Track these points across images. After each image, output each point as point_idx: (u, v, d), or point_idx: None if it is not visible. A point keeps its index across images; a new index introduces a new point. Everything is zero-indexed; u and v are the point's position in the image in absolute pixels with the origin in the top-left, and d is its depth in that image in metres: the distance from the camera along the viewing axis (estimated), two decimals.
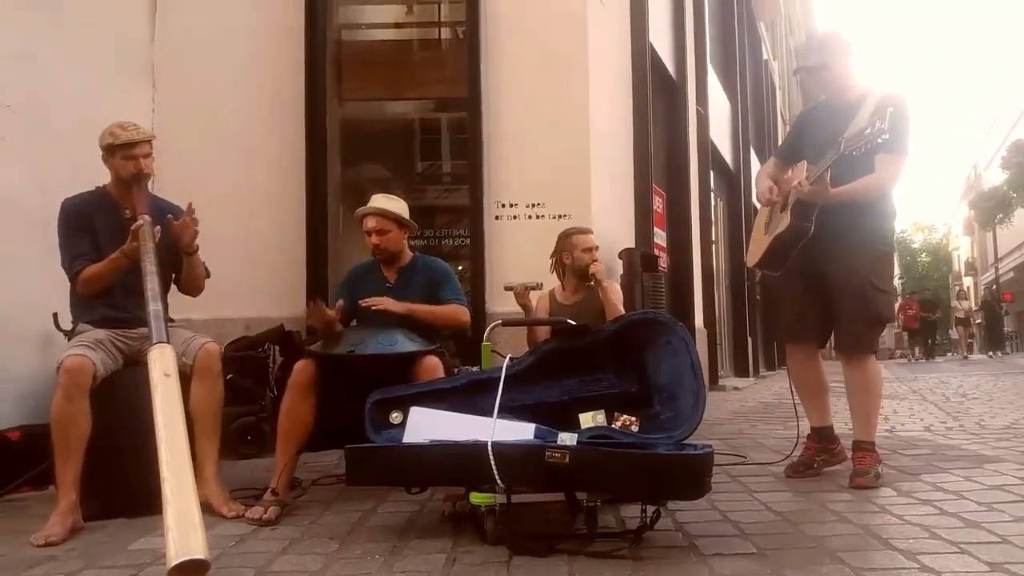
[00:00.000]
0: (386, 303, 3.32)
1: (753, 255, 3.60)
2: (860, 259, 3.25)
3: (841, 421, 3.72)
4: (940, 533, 2.42)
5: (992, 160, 34.92)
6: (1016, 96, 36.61)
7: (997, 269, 33.14)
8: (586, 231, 4.40)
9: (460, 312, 3.49)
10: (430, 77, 6.42)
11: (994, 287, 29.71)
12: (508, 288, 4.38)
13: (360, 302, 3.35)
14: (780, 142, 4.87)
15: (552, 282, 4.46)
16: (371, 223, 3.51)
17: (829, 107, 3.43)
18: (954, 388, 8.92)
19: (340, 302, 3.41)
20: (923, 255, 47.12)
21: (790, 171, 3.50)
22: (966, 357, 21.51)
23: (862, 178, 3.15)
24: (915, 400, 7.32)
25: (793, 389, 3.60)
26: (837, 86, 3.37)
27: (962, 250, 52.75)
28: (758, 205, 3.74)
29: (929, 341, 22.03)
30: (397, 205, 3.58)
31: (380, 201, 3.58)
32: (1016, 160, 22.39)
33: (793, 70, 3.70)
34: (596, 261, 4.24)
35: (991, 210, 26.35)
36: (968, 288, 32.25)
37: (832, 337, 3.51)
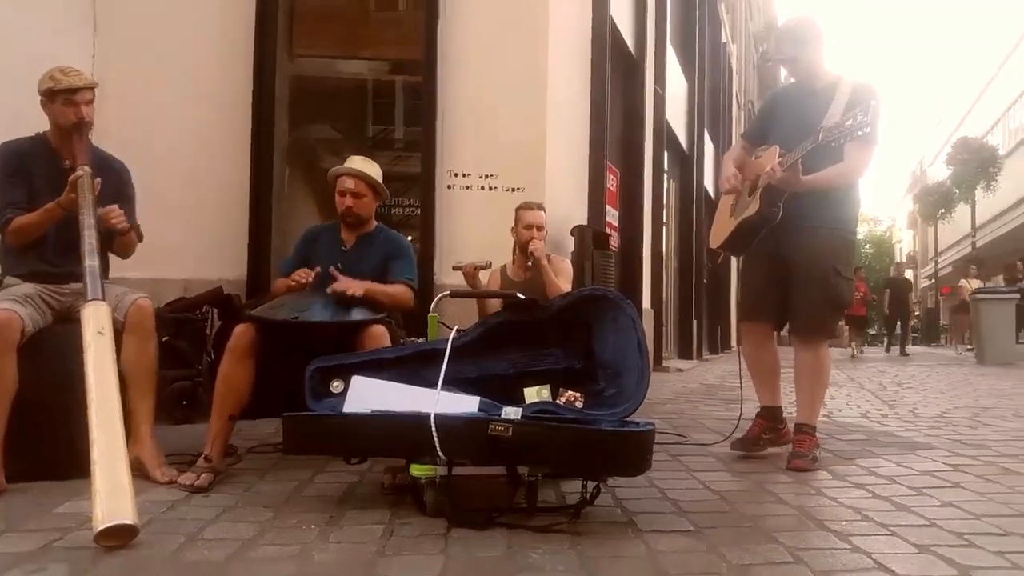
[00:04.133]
0: (352, 287, 3.19)
1: (717, 237, 3.61)
2: (825, 245, 3.28)
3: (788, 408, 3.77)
4: (872, 516, 2.47)
5: (938, 155, 35.83)
6: (963, 92, 37.54)
7: (937, 263, 34.13)
8: (533, 207, 4.35)
9: (405, 295, 3.42)
10: (386, 37, 6.30)
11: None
12: (456, 268, 4.33)
13: (330, 274, 3.24)
14: (741, 125, 4.86)
15: (504, 258, 4.42)
16: (349, 184, 3.43)
17: (800, 92, 3.44)
18: (890, 377, 9.18)
19: (318, 269, 3.28)
20: (867, 246, 48.24)
21: (755, 156, 3.50)
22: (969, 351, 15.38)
23: (834, 166, 3.17)
24: (853, 388, 7.50)
25: (742, 370, 3.63)
26: (809, 73, 3.39)
27: (904, 243, 54.23)
28: (710, 190, 3.75)
29: (898, 329, 18.10)
30: (375, 170, 3.52)
31: (359, 163, 3.50)
32: (960, 156, 22.93)
33: (764, 59, 3.71)
34: (535, 239, 4.20)
35: (934, 204, 27.02)
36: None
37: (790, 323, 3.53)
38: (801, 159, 3.10)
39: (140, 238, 3.30)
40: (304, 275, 3.22)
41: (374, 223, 3.60)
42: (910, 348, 18.13)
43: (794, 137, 3.18)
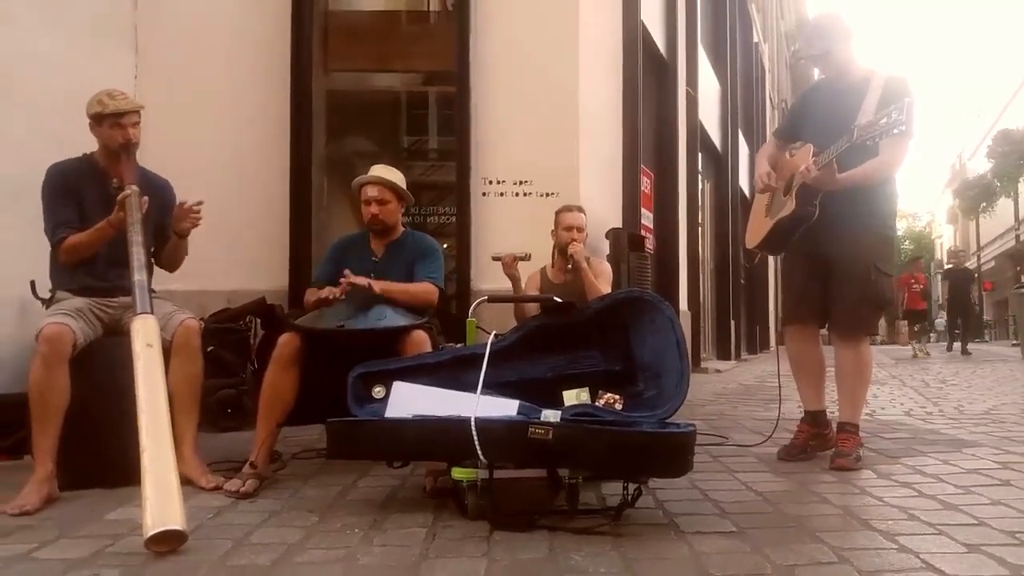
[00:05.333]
0: (362, 282, 3.25)
1: (753, 237, 3.59)
2: (865, 242, 3.25)
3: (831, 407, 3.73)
4: (918, 515, 2.44)
5: (977, 149, 35.13)
6: (1002, 85, 36.78)
7: (979, 258, 33.43)
8: (573, 209, 4.38)
9: (429, 291, 3.41)
10: (418, 50, 6.35)
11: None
12: (496, 258, 4.34)
13: (342, 280, 3.29)
14: (775, 124, 4.79)
15: (544, 257, 4.44)
16: (372, 192, 3.47)
17: (831, 89, 3.42)
18: (933, 374, 9.01)
19: (347, 275, 3.30)
20: (906, 242, 47.48)
21: (789, 153, 3.48)
22: None
23: (869, 162, 3.14)
24: (895, 385, 7.38)
25: (781, 370, 3.60)
26: (839, 69, 3.37)
27: (945, 238, 53.18)
28: (745, 190, 3.74)
29: (958, 328, 15.71)
30: (397, 176, 3.55)
31: (381, 171, 3.54)
32: (1001, 149, 22.48)
33: (795, 58, 3.69)
34: (575, 241, 4.21)
35: (975, 199, 26.49)
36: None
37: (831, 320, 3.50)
38: (835, 157, 3.08)
39: (186, 251, 3.39)
40: (330, 292, 3.25)
41: (401, 229, 3.63)
42: (972, 346, 15.65)
43: (828, 134, 3.15)
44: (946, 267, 18.15)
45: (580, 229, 4.30)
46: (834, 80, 3.40)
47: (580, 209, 4.40)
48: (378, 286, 3.28)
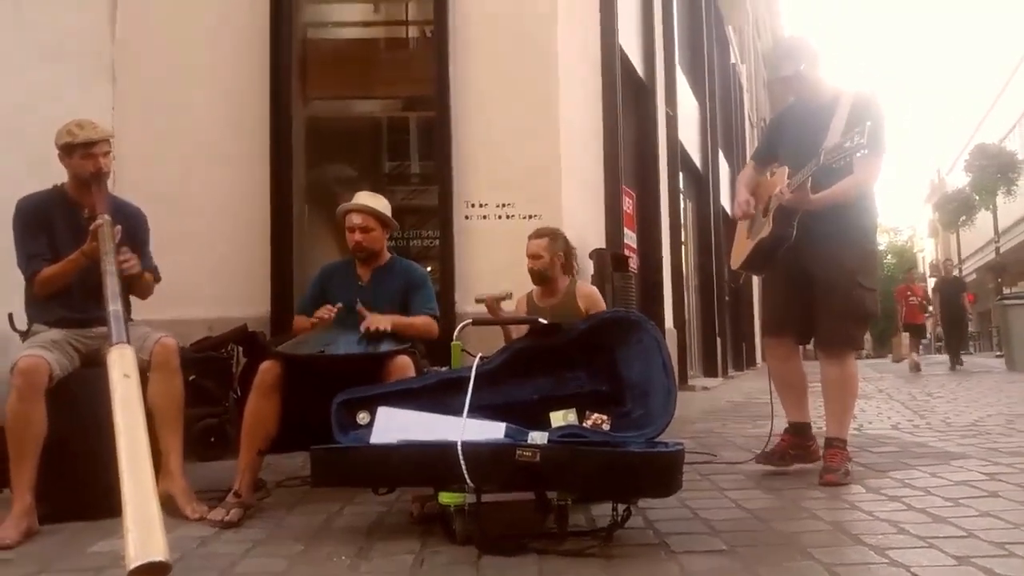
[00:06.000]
0: (380, 323, 3.24)
1: (737, 257, 3.64)
2: (845, 257, 3.27)
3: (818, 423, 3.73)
4: (908, 528, 2.43)
5: (955, 163, 35.57)
6: (978, 99, 37.33)
7: (961, 271, 33.74)
8: (533, 236, 4.32)
9: (431, 325, 3.47)
10: (397, 76, 6.37)
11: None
12: (479, 300, 4.35)
13: (361, 326, 3.25)
14: (753, 145, 4.82)
15: (524, 285, 4.43)
16: (356, 219, 3.47)
17: (803, 110, 3.46)
18: (920, 387, 9.05)
19: (340, 305, 3.31)
20: (888, 256, 47.88)
21: (769, 174, 3.52)
22: None
23: (844, 180, 3.18)
24: (882, 399, 7.40)
25: (771, 386, 3.60)
26: (810, 90, 3.41)
27: (926, 252, 53.69)
28: (727, 208, 3.77)
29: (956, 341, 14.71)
30: (381, 203, 3.55)
31: (365, 198, 3.54)
32: (978, 163, 22.73)
33: (766, 81, 3.76)
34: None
35: (955, 212, 26.75)
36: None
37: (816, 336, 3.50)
38: (811, 176, 3.11)
39: (158, 279, 3.37)
40: (327, 311, 3.26)
41: (387, 255, 3.63)
42: (982, 360, 15.00)
43: (801, 155, 3.20)
44: (939, 278, 16.77)
45: (536, 257, 4.26)
46: (806, 101, 3.45)
47: (540, 235, 4.33)
48: (390, 322, 3.26)
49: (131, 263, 3.07)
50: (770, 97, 25.06)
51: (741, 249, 3.59)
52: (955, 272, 15.39)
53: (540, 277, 4.32)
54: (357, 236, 3.47)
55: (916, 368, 12.80)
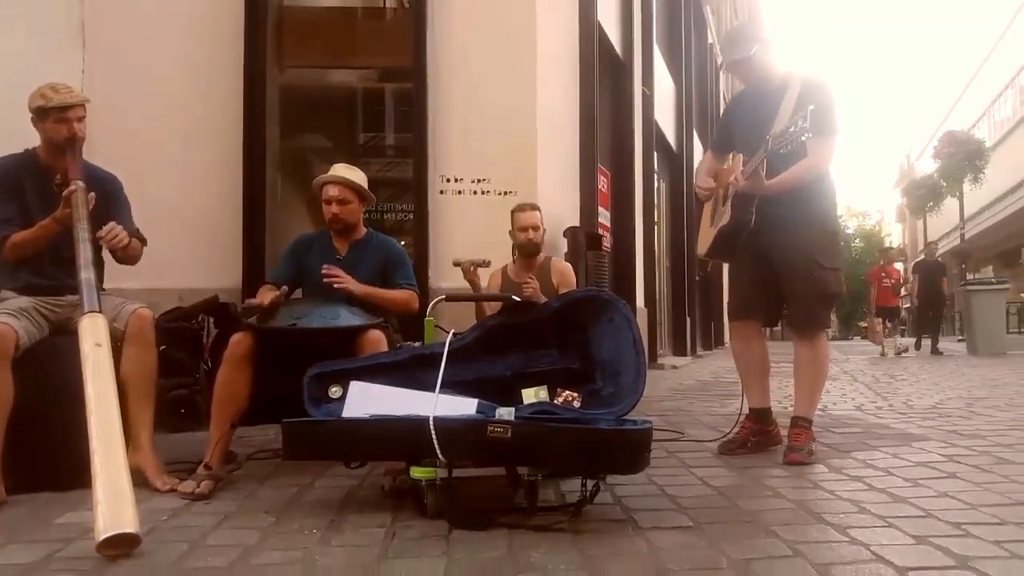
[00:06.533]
0: (348, 283, 3.26)
1: (702, 245, 3.69)
2: (804, 240, 3.32)
3: (777, 400, 3.79)
4: (869, 508, 2.49)
5: (924, 150, 36.01)
6: (949, 86, 37.78)
7: (926, 255, 34.22)
8: (527, 208, 4.38)
9: (412, 299, 3.50)
10: (374, 46, 6.30)
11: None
12: (457, 264, 4.35)
13: (323, 275, 3.26)
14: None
15: (503, 255, 4.45)
16: (333, 191, 3.44)
17: (754, 95, 3.51)
18: (884, 369, 9.23)
19: (285, 288, 3.29)
20: (856, 240, 48.47)
21: (728, 162, 3.56)
22: None
23: (796, 164, 3.23)
24: (846, 380, 7.54)
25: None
26: (760, 74, 3.45)
27: (894, 236, 54.45)
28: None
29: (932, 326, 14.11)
30: (358, 175, 3.53)
31: (342, 170, 3.51)
32: (946, 150, 22.99)
33: (720, 65, 3.79)
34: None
35: (923, 198, 27.10)
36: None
37: (783, 317, 3.59)
38: (766, 161, 3.16)
39: (144, 242, 3.32)
40: (277, 296, 3.17)
41: (364, 229, 3.61)
42: (944, 344, 14.27)
43: (753, 141, 3.26)
44: (918, 260, 16.75)
45: (536, 228, 4.33)
46: (757, 86, 3.50)
47: (535, 207, 4.41)
48: (360, 290, 3.26)
49: (119, 236, 2.98)
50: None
51: (705, 237, 3.65)
52: (936, 255, 14.77)
53: (536, 249, 4.33)
54: (334, 208, 3.44)
55: (899, 352, 12.55)
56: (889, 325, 13.73)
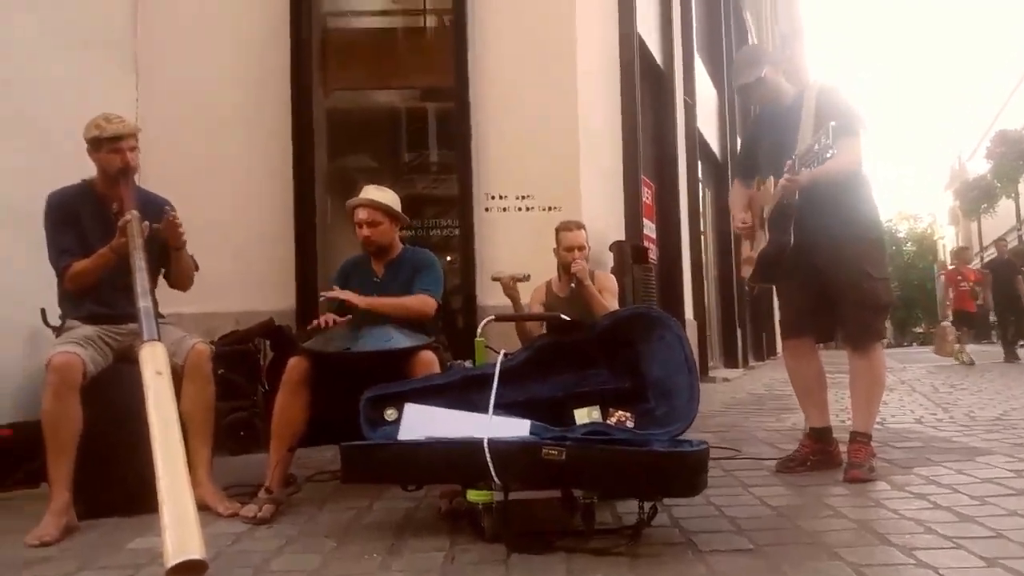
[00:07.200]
0: (350, 297, 3.31)
1: (745, 271, 3.67)
2: (849, 251, 3.28)
3: (834, 414, 3.71)
4: (935, 528, 2.43)
5: (976, 150, 35.14)
6: (999, 85, 36.83)
7: (982, 258, 33.37)
8: (573, 227, 4.33)
9: (426, 303, 3.40)
10: (417, 66, 6.37)
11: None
12: (495, 278, 4.35)
13: (319, 294, 3.34)
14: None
15: (547, 271, 4.45)
16: (362, 214, 3.48)
17: (772, 114, 3.51)
18: (942, 379, 8.98)
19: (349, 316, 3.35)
20: (908, 244, 47.47)
21: (757, 187, 3.53)
22: None
23: (829, 161, 3.12)
24: (904, 391, 7.36)
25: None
26: (773, 94, 3.47)
27: (947, 239, 53.11)
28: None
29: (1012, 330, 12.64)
30: (388, 196, 3.55)
31: (371, 192, 3.55)
32: (1000, 150, 22.50)
33: (736, 89, 3.76)
34: (577, 260, 4.17)
35: (976, 199, 26.51)
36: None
37: (840, 331, 3.54)
38: (796, 164, 3.14)
39: (196, 267, 3.40)
40: (327, 319, 3.30)
41: (399, 246, 3.62)
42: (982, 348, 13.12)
43: (777, 161, 3.25)
44: (991, 259, 15.14)
45: (581, 248, 4.26)
46: (773, 105, 3.49)
47: (580, 226, 4.36)
48: (362, 302, 3.30)
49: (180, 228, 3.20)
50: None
51: (747, 262, 3.63)
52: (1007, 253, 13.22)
53: (574, 272, 4.30)
54: (365, 231, 3.47)
55: (970, 362, 11.38)
56: (963, 332, 12.25)
